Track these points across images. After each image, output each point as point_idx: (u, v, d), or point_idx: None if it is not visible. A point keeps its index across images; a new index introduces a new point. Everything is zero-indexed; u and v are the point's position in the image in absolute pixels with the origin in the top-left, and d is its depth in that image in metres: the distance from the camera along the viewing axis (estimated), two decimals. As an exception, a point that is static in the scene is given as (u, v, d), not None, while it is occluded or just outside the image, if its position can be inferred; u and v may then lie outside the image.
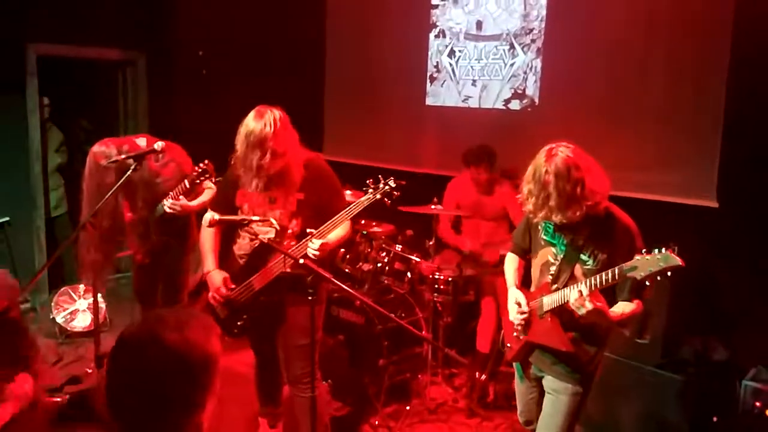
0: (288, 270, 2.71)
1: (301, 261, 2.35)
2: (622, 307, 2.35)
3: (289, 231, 2.79)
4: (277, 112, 2.69)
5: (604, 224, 2.36)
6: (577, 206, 2.25)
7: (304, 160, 2.79)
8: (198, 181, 3.21)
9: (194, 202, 3.39)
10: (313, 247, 2.63)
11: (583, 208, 2.26)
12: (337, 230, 2.73)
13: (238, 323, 2.91)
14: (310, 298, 2.32)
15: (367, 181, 2.64)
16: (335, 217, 2.68)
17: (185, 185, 3.24)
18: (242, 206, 2.84)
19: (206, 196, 3.42)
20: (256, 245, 2.79)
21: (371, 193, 2.61)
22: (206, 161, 3.22)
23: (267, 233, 2.67)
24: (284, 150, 2.66)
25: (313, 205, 2.79)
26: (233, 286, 2.86)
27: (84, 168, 3.33)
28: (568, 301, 2.34)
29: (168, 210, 3.30)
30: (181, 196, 3.28)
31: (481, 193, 4.24)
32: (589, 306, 2.23)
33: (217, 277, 2.86)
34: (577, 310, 2.27)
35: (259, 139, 2.61)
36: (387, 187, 2.59)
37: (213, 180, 3.28)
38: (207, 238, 2.95)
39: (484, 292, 3.98)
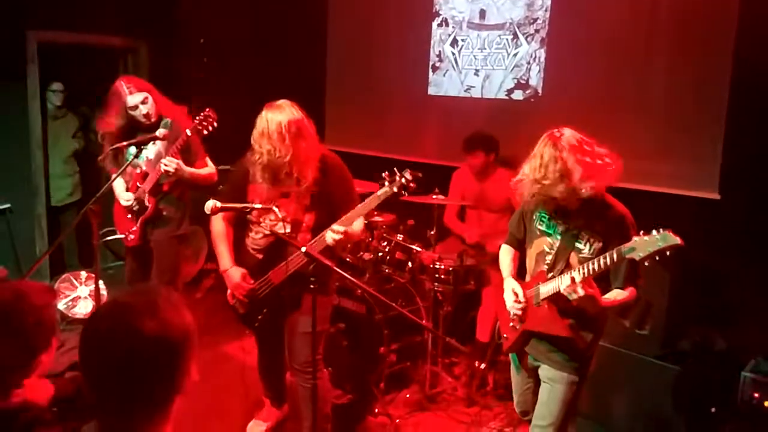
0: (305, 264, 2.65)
1: (304, 249, 2.34)
2: (615, 294, 2.37)
3: (303, 225, 2.79)
4: (288, 102, 2.72)
5: (599, 212, 2.38)
6: (579, 182, 2.27)
7: (320, 154, 2.79)
8: (200, 128, 3.16)
9: (189, 168, 3.33)
10: (333, 232, 2.62)
11: (585, 187, 2.27)
12: (355, 224, 2.73)
13: (259, 317, 2.92)
14: (312, 286, 2.32)
15: (383, 174, 2.58)
16: (351, 212, 2.67)
17: (186, 135, 3.19)
18: (254, 201, 2.82)
19: (204, 171, 3.41)
20: (272, 240, 2.78)
21: (387, 186, 2.54)
22: (207, 109, 3.17)
23: (275, 225, 2.66)
24: (309, 134, 2.71)
25: (326, 199, 2.78)
26: (252, 282, 2.86)
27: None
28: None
29: (164, 167, 3.22)
30: (179, 162, 3.22)
31: (481, 183, 4.23)
32: (580, 292, 2.23)
33: (235, 274, 2.85)
34: (568, 296, 2.27)
35: (293, 125, 2.63)
36: (403, 180, 2.52)
37: (214, 127, 3.20)
38: (219, 234, 2.93)
39: (485, 281, 3.99)
